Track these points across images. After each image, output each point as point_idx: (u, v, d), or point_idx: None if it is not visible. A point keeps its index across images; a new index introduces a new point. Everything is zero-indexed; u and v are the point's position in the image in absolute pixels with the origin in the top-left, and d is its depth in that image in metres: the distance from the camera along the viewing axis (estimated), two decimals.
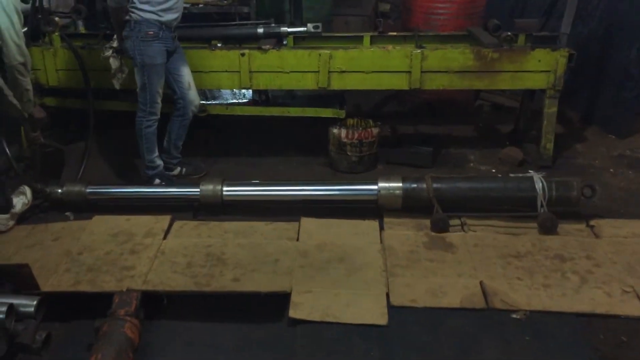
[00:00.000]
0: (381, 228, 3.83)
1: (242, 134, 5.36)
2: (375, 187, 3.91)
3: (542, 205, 3.73)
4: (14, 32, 3.55)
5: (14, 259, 3.50)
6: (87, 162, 4.60)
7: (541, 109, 4.62)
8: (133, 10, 4.01)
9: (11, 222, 3.85)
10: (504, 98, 5.96)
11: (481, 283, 3.26)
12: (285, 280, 3.29)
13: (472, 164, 4.83)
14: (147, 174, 4.38)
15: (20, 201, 3.91)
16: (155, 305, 3.16)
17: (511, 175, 4.13)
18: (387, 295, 3.18)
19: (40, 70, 4.71)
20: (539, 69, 4.48)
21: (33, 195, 4.01)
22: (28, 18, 4.47)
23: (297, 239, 3.72)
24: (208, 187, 4.00)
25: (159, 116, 4.27)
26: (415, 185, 3.88)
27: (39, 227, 3.89)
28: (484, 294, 3.18)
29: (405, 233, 3.76)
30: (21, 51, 3.62)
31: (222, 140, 5.24)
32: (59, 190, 4.08)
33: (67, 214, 4.08)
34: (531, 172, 3.91)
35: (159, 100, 4.22)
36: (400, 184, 3.89)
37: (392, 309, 3.09)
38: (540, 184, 3.76)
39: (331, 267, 3.43)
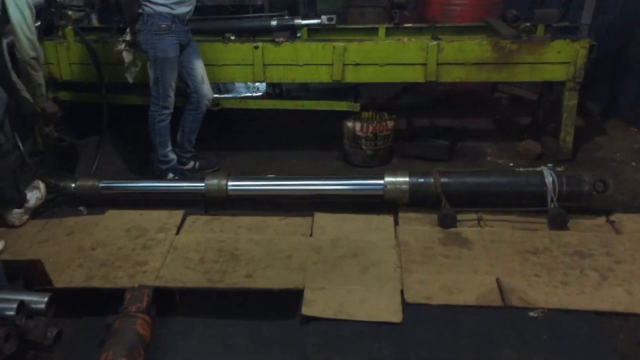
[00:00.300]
0: (396, 223, 3.77)
1: (255, 127, 5.34)
2: (381, 181, 3.84)
3: (552, 201, 3.65)
4: (26, 26, 3.53)
5: (28, 254, 3.51)
6: (100, 156, 4.59)
7: (560, 101, 4.52)
8: (146, 3, 3.98)
9: (25, 217, 3.86)
10: (522, 90, 5.85)
11: (498, 280, 3.19)
12: (298, 276, 3.25)
13: (489, 158, 4.75)
14: (161, 168, 4.36)
15: (34, 196, 3.91)
16: (168, 301, 3.14)
17: (521, 169, 4.04)
18: (402, 292, 3.13)
19: (53, 64, 4.71)
20: (559, 60, 4.37)
21: (47, 189, 4.00)
22: (41, 12, 4.46)
23: (311, 235, 3.68)
24: (213, 182, 3.96)
25: (172, 110, 4.25)
26: (422, 180, 3.81)
27: (52, 222, 3.89)
28: (501, 291, 3.11)
29: (420, 228, 3.70)
30: (33, 46, 3.60)
31: (236, 134, 5.21)
32: (73, 185, 4.07)
33: (81, 208, 4.08)
34: (542, 167, 3.82)
35: (172, 94, 4.20)
36: (407, 179, 3.82)
37: (406, 306, 3.03)
38: (551, 179, 3.67)
39: (345, 263, 3.39)
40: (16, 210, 3.79)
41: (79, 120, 4.78)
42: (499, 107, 5.83)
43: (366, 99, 5.24)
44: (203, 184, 3.97)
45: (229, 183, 3.95)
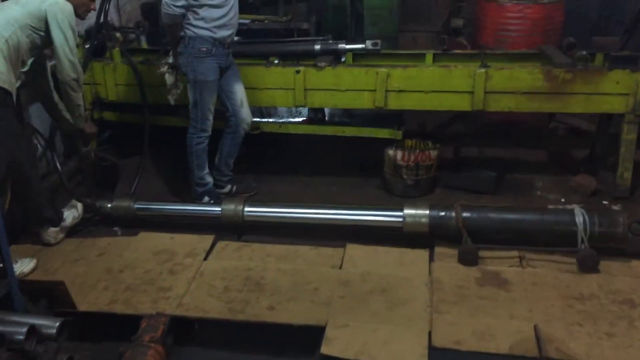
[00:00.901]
0: (431, 259, 3.59)
1: (296, 152, 5.22)
2: (400, 213, 3.69)
3: (582, 241, 3.41)
4: (68, 49, 3.58)
5: (58, 273, 3.53)
6: (140, 177, 4.61)
7: (619, 134, 4.23)
8: (187, 26, 3.98)
9: (60, 235, 3.89)
10: (581, 121, 5.53)
11: (535, 327, 2.95)
12: (322, 311, 3.12)
13: (539, 192, 4.47)
14: (197, 191, 4.33)
15: (71, 215, 3.95)
16: (187, 328, 3.07)
17: (550, 207, 3.90)
18: (430, 334, 2.94)
19: (100, 85, 4.78)
20: (617, 91, 4.09)
21: (83, 209, 4.04)
22: (92, 34, 4.57)
23: (341, 267, 3.55)
24: (229, 207, 3.90)
25: (209, 133, 4.22)
26: (443, 214, 3.64)
27: (86, 242, 3.91)
28: (538, 340, 2.87)
29: (456, 266, 3.50)
30: (74, 68, 3.64)
31: (276, 159, 5.11)
32: (109, 205, 4.09)
33: (115, 229, 4.09)
34: (574, 205, 3.66)
35: (211, 117, 4.17)
36: (427, 212, 3.66)
37: (433, 350, 2.84)
38: (582, 218, 3.45)
39: (372, 299, 3.23)
40: (52, 229, 3.83)
41: (123, 140, 4.82)
42: (554, 137, 5.52)
43: (415, 125, 5.07)
44: (219, 208, 3.92)
45: (246, 208, 3.89)
